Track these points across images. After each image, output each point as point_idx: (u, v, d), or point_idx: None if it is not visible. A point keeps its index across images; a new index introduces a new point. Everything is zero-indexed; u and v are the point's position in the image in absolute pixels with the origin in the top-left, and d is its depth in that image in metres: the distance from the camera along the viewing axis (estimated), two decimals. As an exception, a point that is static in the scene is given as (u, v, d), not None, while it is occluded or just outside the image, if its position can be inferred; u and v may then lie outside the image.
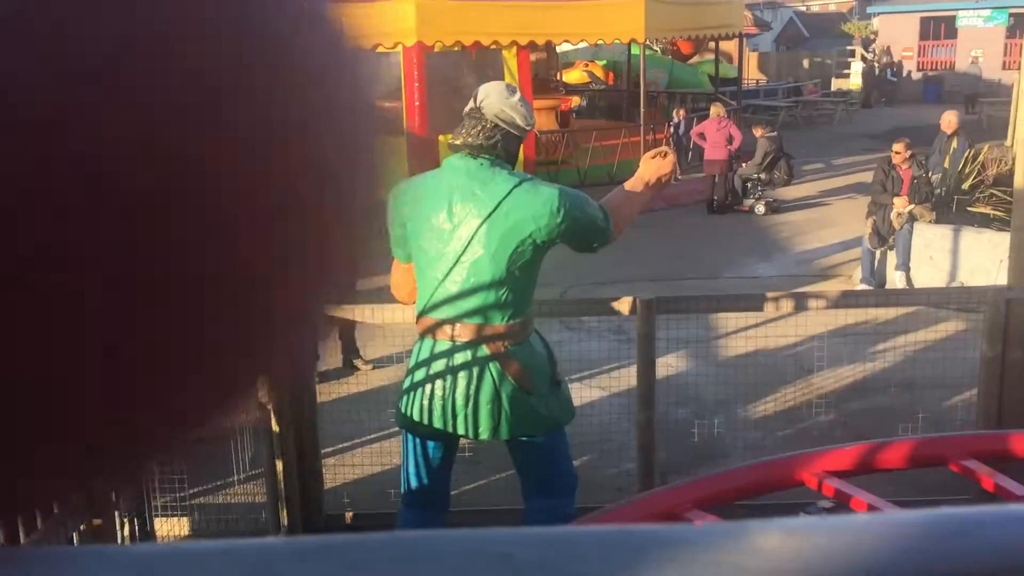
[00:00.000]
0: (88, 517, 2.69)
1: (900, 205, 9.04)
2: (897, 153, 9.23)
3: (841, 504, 3.07)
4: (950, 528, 0.36)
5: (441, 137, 12.24)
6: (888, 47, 31.34)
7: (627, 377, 5.75)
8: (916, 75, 31.63)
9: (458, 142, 3.46)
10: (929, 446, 3.46)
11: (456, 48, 12.96)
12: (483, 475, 5.23)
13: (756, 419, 6.09)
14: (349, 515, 4.94)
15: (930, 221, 9.26)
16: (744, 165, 13.75)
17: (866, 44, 31.66)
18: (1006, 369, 4.55)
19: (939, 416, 5.74)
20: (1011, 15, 29.80)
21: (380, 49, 12.71)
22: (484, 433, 3.49)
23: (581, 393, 6.14)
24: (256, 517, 4.68)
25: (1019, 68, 15.89)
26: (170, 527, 4.51)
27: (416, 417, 3.52)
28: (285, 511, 4.65)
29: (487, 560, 0.32)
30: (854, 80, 30.75)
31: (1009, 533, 0.36)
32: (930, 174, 10.43)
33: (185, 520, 4.57)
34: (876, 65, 30.21)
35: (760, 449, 5.53)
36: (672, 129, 13.58)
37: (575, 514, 3.69)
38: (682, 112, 13.94)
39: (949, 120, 11.55)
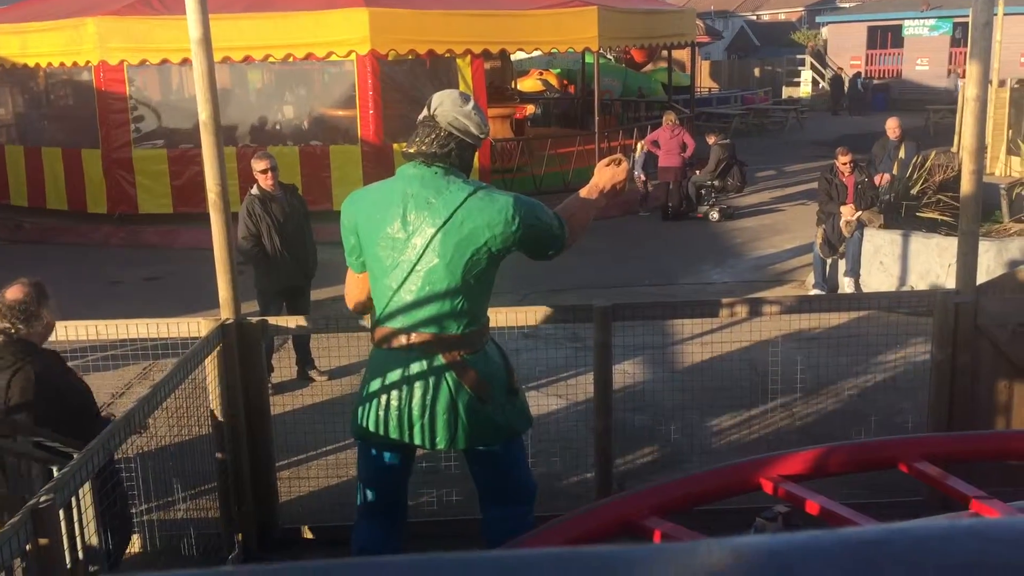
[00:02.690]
0: (34, 536, 2.61)
1: (848, 213, 9.16)
2: (844, 164, 9.34)
3: (796, 509, 3.09)
4: (894, 546, 0.35)
5: (396, 146, 12.19)
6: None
7: (584, 384, 5.75)
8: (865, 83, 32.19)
9: (412, 150, 3.44)
10: (881, 449, 3.50)
11: (410, 57, 12.92)
12: (441, 485, 5.19)
13: (712, 424, 6.13)
14: (305, 528, 4.88)
15: (879, 225, 9.40)
16: (698, 172, 13.87)
17: (822, 61, 32.13)
18: (955, 371, 4.63)
19: (891, 419, 5.82)
20: (955, 24, 30.43)
21: (333, 58, 12.64)
22: (441, 443, 3.47)
23: (538, 401, 6.13)
24: (210, 533, 4.60)
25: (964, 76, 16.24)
26: (133, 546, 4.41)
27: (372, 428, 3.48)
28: (240, 526, 4.57)
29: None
30: (804, 88, 31.19)
31: (956, 549, 0.35)
32: (880, 179, 10.61)
33: (135, 537, 4.47)
34: (844, 75, 30.59)
35: (717, 454, 5.56)
36: (634, 158, 13.63)
37: (533, 522, 3.68)
38: (644, 145, 14.00)
39: (893, 126, 11.77)
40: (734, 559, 0.33)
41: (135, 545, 4.44)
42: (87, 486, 3.12)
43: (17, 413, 3.55)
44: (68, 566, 3.00)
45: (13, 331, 3.57)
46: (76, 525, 3.18)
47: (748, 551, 0.34)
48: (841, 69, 30.92)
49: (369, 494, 3.61)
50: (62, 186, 13.55)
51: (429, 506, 5.07)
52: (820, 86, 31.59)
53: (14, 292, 3.66)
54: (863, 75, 31.29)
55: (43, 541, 2.60)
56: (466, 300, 3.39)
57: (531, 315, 4.64)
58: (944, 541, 0.35)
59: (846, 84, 29.97)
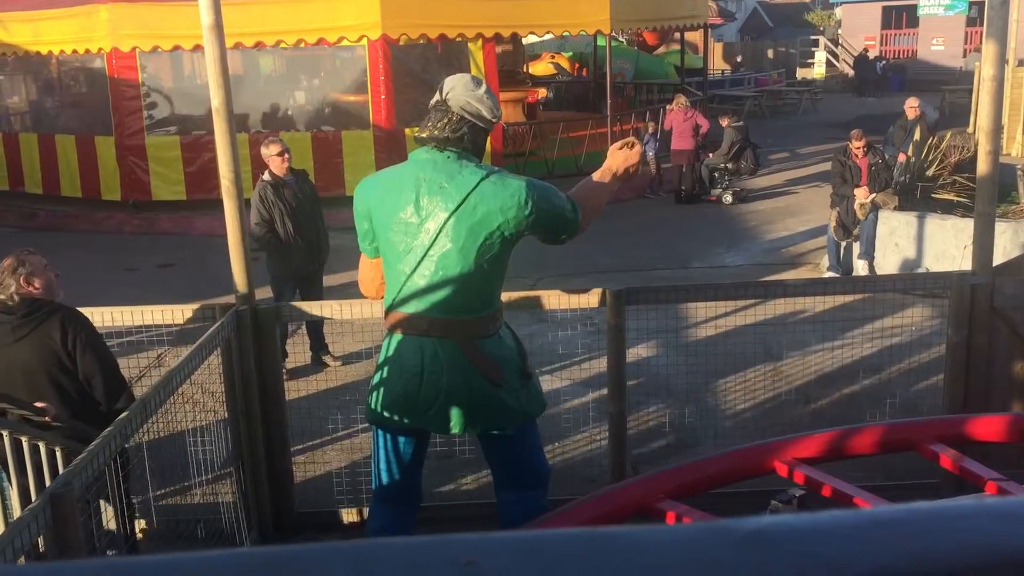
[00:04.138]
0: (52, 521, 2.64)
1: (862, 196, 9.10)
2: (858, 147, 9.28)
3: (812, 491, 3.08)
4: (909, 526, 0.35)
5: (408, 130, 12.18)
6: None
7: (598, 368, 5.76)
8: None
9: (424, 135, 3.43)
10: (897, 431, 3.49)
11: (421, 41, 12.89)
12: (455, 469, 5.21)
13: (726, 408, 6.12)
14: (320, 513, 4.91)
15: (894, 207, 9.34)
16: (711, 155, 13.81)
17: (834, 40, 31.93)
18: (971, 353, 4.60)
19: (906, 401, 5.80)
20: (971, 4, 30.13)
21: (345, 43, 12.62)
22: (455, 427, 3.48)
23: (552, 385, 6.14)
24: (226, 517, 4.63)
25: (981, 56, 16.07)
26: (138, 529, 4.45)
27: (386, 413, 3.49)
28: (255, 510, 4.60)
29: (449, 568, 0.30)
30: (817, 69, 30.95)
31: (971, 528, 0.35)
32: (903, 159, 10.55)
33: (155, 522, 4.51)
34: (868, 55, 30.35)
35: (731, 437, 5.56)
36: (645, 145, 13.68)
37: (548, 506, 3.69)
38: (652, 126, 14.00)
39: (912, 105, 11.71)
40: (746, 539, 0.33)
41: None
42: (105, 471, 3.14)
43: (92, 347, 3.89)
44: (86, 550, 3.03)
45: (19, 290, 3.85)
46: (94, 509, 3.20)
47: (764, 531, 0.34)
48: (867, 50, 30.60)
49: (384, 479, 3.63)
50: (76, 173, 13.61)
51: (444, 490, 5.09)
52: (839, 68, 31.29)
53: (5, 261, 3.99)
54: (882, 56, 31.00)
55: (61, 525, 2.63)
56: (479, 284, 3.39)
57: (544, 299, 4.64)
58: (959, 520, 0.34)
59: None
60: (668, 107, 13.93)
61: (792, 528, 0.33)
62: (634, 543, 0.31)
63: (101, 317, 4.46)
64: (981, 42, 6.10)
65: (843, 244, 9.44)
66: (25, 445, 3.24)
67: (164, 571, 0.33)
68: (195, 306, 4.67)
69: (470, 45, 12.93)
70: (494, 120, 3.46)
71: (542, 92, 18.79)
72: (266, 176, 6.90)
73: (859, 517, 0.36)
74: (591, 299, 4.55)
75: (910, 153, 11.20)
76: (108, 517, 3.36)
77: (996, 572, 0.31)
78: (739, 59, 30.48)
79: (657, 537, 0.31)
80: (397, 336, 3.47)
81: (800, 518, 0.35)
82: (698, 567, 0.30)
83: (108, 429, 3.12)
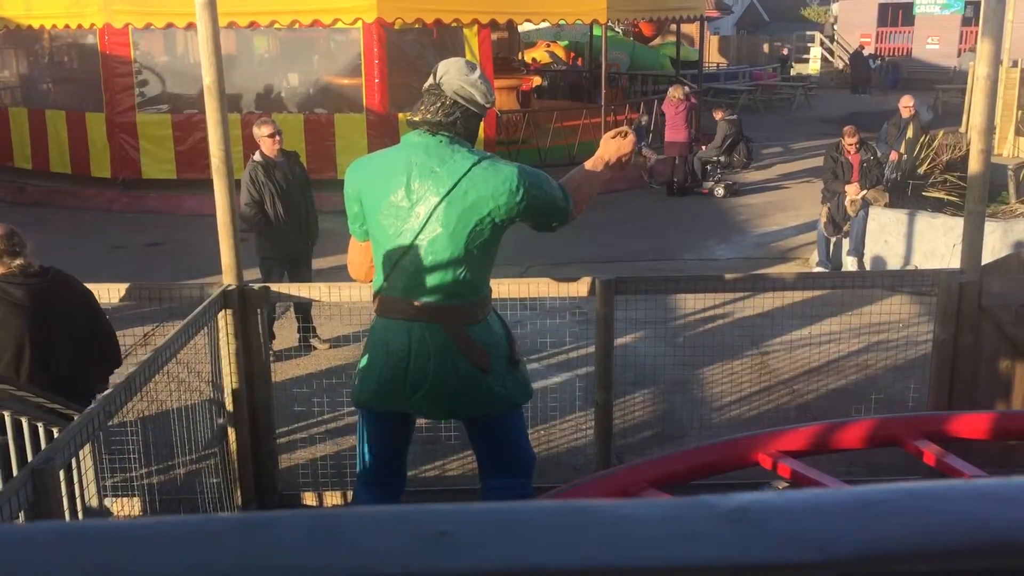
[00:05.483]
0: (33, 497, 2.62)
1: (853, 192, 9.11)
2: (851, 144, 9.28)
3: (795, 484, 3.09)
4: (893, 504, 0.34)
5: (401, 115, 12.12)
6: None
7: (585, 357, 5.76)
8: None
9: (417, 118, 3.41)
10: (881, 426, 3.50)
11: (417, 25, 12.82)
12: (440, 454, 5.21)
13: (712, 399, 6.14)
14: (304, 495, 4.90)
15: (884, 204, 9.35)
16: (704, 148, 13.79)
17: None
18: (957, 351, 4.62)
19: (892, 397, 5.82)
20: (967, 3, 30.16)
21: (339, 25, 12.56)
22: (441, 412, 3.47)
23: (539, 373, 6.14)
24: (208, 498, 4.62)
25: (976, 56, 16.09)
26: (120, 507, 4.44)
27: (372, 396, 3.48)
28: (239, 491, 4.60)
29: (423, 537, 0.29)
30: (812, 65, 30.97)
31: (955, 508, 0.34)
32: (895, 157, 10.56)
33: (136, 500, 4.50)
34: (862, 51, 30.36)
35: (716, 429, 5.57)
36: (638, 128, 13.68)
37: (532, 493, 3.69)
38: (646, 119, 14.03)
39: (908, 104, 11.71)
40: (728, 515, 0.32)
41: (135, 508, 4.47)
42: (87, 447, 3.13)
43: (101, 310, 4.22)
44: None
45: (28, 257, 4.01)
46: (76, 486, 3.19)
47: (747, 508, 0.33)
48: (862, 47, 30.64)
49: (369, 462, 3.62)
50: (66, 149, 13.52)
51: (428, 475, 5.09)
52: (834, 64, 31.30)
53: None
54: (877, 53, 31.04)
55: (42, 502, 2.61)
56: (469, 270, 3.37)
57: (534, 287, 4.64)
58: (943, 500, 0.34)
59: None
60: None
61: (775, 505, 0.32)
62: (611, 516, 0.30)
63: (87, 294, 4.43)
64: (976, 42, 6.11)
65: (833, 240, 9.46)
66: (7, 419, 3.22)
67: (125, 535, 0.32)
68: (183, 285, 4.64)
69: (465, 31, 12.88)
70: (487, 105, 3.44)
71: (537, 80, 18.73)
72: (257, 157, 6.87)
73: (843, 495, 0.36)
74: (580, 288, 4.55)
75: (902, 151, 11.21)
76: (90, 495, 3.35)
77: (981, 551, 0.31)
78: (785, 52, 30.31)
79: (635, 511, 0.31)
80: (385, 320, 3.45)
81: (783, 495, 0.34)
82: (676, 541, 0.29)
83: (91, 406, 3.10)
